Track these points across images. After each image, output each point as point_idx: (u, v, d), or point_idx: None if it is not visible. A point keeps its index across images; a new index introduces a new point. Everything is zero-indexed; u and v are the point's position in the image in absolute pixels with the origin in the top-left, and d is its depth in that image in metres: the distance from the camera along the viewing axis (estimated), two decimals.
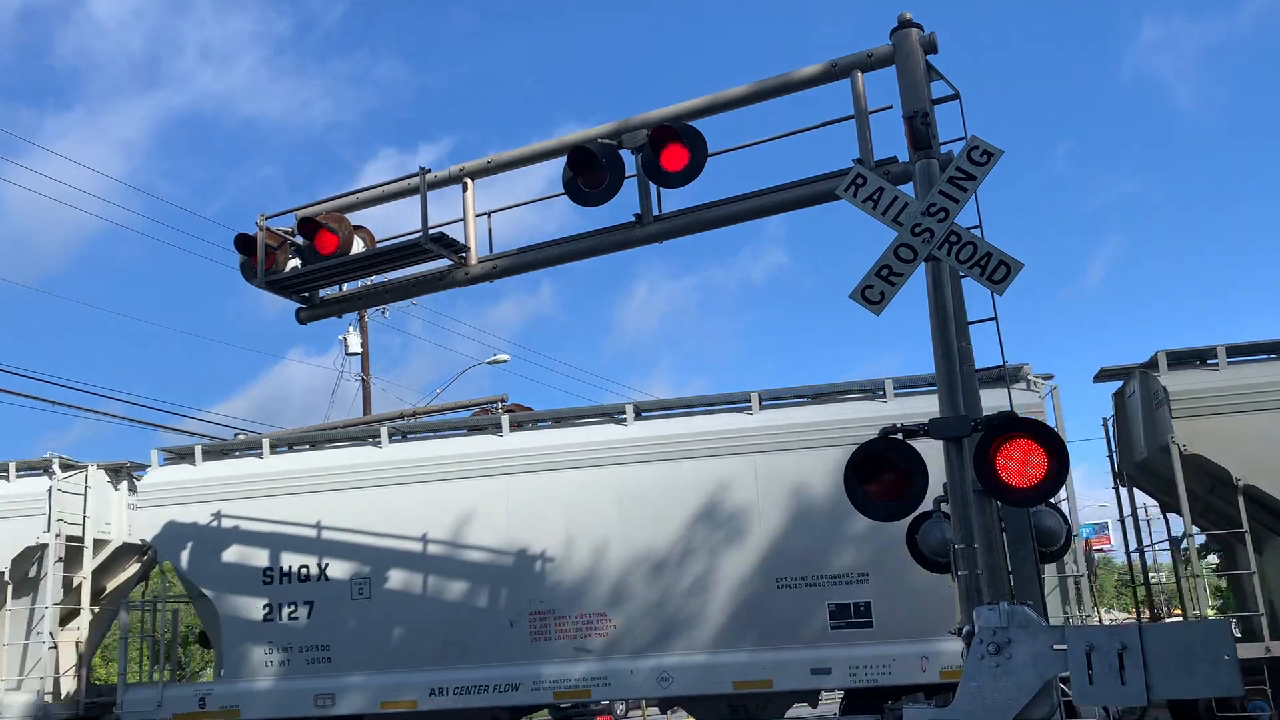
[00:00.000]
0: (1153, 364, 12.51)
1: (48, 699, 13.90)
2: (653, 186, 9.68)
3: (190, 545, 13.56)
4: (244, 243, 10.69)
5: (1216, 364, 12.28)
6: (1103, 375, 13.55)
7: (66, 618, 14.69)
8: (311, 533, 13.32)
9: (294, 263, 10.71)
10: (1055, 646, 6.44)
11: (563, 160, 9.72)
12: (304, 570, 13.21)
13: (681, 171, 9.41)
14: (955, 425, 7.41)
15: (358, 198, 10.69)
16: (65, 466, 14.73)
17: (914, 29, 8.42)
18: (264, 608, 13.18)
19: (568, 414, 13.47)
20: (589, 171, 9.59)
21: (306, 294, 11.11)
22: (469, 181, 10.31)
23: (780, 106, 9.66)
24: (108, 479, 15.09)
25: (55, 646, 14.19)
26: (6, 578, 14.26)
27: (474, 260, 10.31)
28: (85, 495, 14.72)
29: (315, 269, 10.58)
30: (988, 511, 7.32)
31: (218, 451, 14.33)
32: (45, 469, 14.77)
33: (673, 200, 9.82)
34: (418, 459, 13.32)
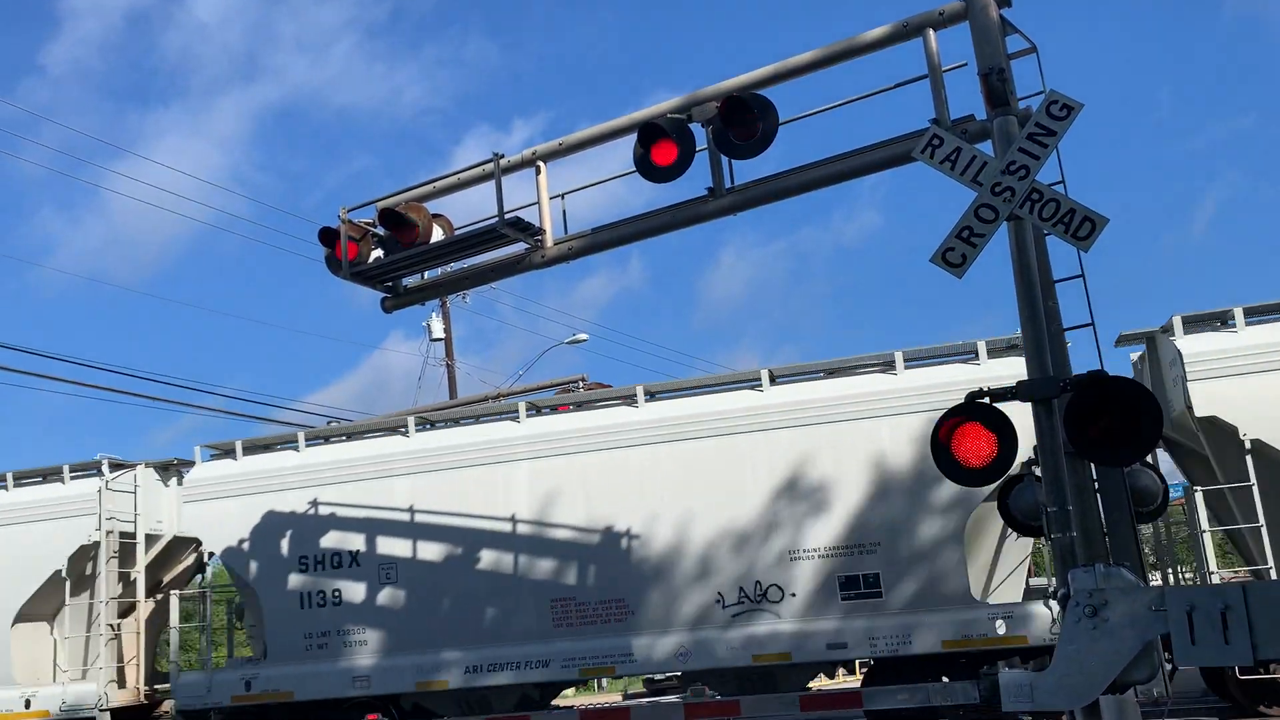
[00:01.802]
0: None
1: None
2: (724, 158, 9.65)
3: None
4: (327, 236, 10.96)
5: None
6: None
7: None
8: None
9: (377, 253, 10.95)
10: (1154, 607, 6.32)
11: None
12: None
13: (752, 142, 9.35)
14: (1044, 386, 7.28)
15: (435, 186, 10.87)
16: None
17: None
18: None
19: None
20: (660, 147, 9.59)
21: (390, 283, 11.35)
22: (542, 165, 10.39)
23: (851, 72, 9.53)
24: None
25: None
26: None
27: (550, 242, 10.41)
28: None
29: (397, 258, 10.80)
30: (1081, 472, 7.19)
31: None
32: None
33: (745, 171, 9.77)
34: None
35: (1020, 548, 12.85)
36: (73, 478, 15.64)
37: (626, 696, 27.29)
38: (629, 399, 13.62)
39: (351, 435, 14.75)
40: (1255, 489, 11.79)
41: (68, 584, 15.16)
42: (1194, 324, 12.49)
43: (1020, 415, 7.35)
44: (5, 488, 15.83)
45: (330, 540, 13.91)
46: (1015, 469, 7.72)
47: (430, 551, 13.60)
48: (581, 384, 15.36)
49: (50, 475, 15.87)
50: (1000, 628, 11.85)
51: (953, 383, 12.08)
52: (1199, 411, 12.05)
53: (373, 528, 13.82)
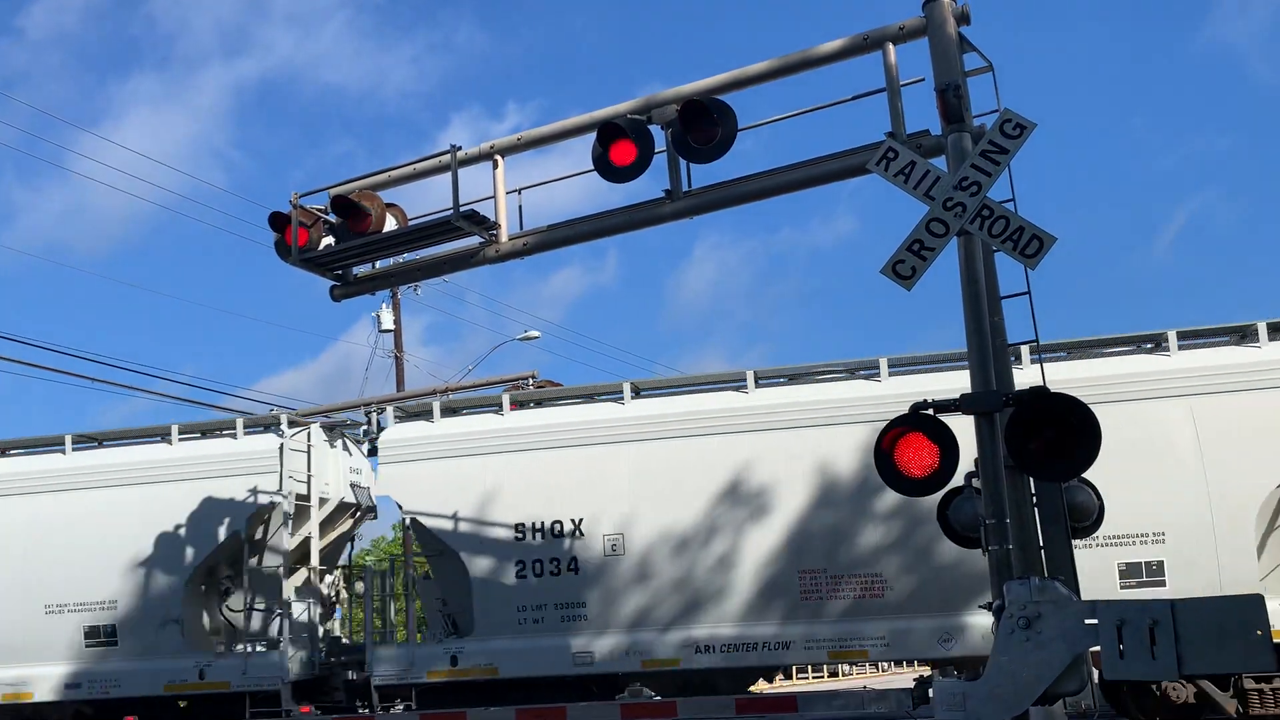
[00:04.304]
0: None
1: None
2: (683, 162, 9.67)
3: None
4: (278, 221, 10.80)
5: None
6: None
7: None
8: None
9: (328, 240, 10.81)
10: (1086, 621, 6.44)
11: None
12: None
13: (711, 146, 9.39)
14: (987, 400, 7.39)
15: (390, 175, 10.76)
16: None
17: (946, 0, 8.33)
18: None
19: None
20: (619, 147, 9.59)
21: (340, 271, 11.21)
22: (499, 159, 10.34)
23: (811, 84, 9.65)
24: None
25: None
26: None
27: (504, 237, 10.36)
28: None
29: (348, 247, 10.67)
30: (1020, 487, 7.30)
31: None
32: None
33: (706, 174, 9.80)
34: None
35: None
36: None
37: None
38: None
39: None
40: None
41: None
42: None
43: (963, 428, 7.46)
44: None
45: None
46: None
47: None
48: (531, 381, 15.30)
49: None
50: None
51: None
52: None
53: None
